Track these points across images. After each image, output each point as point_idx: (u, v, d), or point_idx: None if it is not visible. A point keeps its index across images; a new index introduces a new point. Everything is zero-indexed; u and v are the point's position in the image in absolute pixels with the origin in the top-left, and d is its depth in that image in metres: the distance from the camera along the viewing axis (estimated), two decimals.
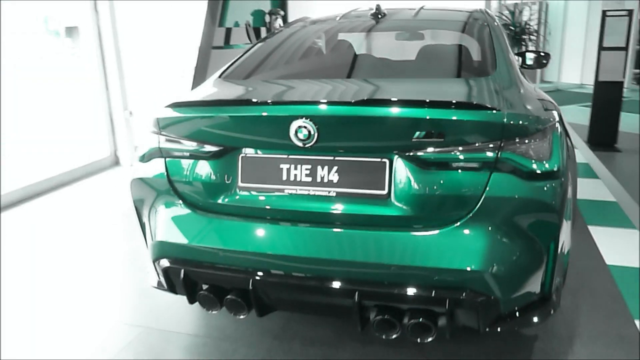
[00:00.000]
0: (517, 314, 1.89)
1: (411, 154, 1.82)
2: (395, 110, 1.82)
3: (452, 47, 2.77)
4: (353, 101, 1.85)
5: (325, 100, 1.90)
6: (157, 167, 2.16)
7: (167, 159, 2.13)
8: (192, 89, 5.45)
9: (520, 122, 1.81)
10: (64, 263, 3.40)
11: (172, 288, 2.20)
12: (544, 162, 1.82)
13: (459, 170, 1.80)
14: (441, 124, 1.78)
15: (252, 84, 2.51)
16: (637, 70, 11.57)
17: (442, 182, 1.81)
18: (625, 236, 3.58)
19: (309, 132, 1.83)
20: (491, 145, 1.77)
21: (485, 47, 2.52)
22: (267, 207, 1.99)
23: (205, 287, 2.10)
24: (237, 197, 2.03)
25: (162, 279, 2.19)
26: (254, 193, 2.02)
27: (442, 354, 2.32)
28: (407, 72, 2.57)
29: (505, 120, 1.78)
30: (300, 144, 1.86)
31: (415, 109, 1.81)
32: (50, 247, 3.67)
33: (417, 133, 1.79)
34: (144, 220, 2.27)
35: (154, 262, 2.19)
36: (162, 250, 2.13)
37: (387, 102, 1.84)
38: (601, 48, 6.06)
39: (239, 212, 2.04)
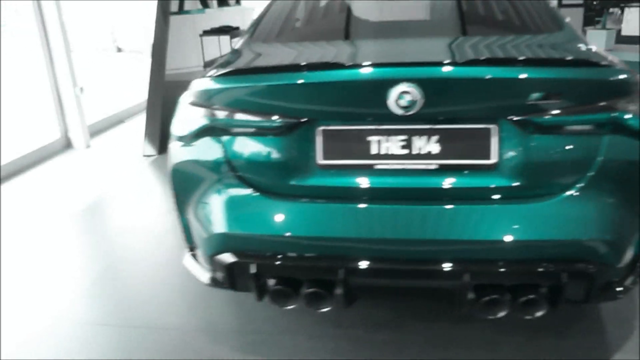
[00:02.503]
0: (623, 281, 1.82)
1: (521, 118, 1.66)
2: (506, 71, 1.65)
3: (500, 2, 2.56)
4: (464, 61, 1.65)
5: (432, 61, 1.69)
6: (210, 147, 1.86)
7: (223, 137, 1.83)
8: (154, 58, 5.01)
9: (625, 78, 1.70)
10: (34, 266, 2.97)
11: (232, 285, 1.94)
12: None
13: (572, 134, 1.67)
14: (556, 83, 1.64)
15: (315, 45, 2.21)
16: None
17: (554, 147, 1.67)
18: None
19: (413, 98, 1.61)
20: (603, 105, 1.65)
21: (534, 3, 2.37)
22: (355, 185, 1.77)
23: (278, 281, 1.85)
24: (317, 176, 1.79)
25: (223, 275, 1.91)
26: (337, 171, 1.78)
27: (512, 326, 2.22)
28: (478, 29, 2.33)
29: (616, 77, 1.67)
30: (400, 112, 1.64)
31: (528, 68, 1.66)
32: (16, 249, 3.19)
33: (529, 94, 1.62)
34: (190, 212, 1.96)
35: (210, 257, 1.90)
36: (224, 243, 1.85)
37: (500, 62, 1.67)
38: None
39: (320, 194, 1.80)
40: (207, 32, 7.42)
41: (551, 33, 2.09)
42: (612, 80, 1.66)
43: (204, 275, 2.04)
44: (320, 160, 1.78)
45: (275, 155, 1.79)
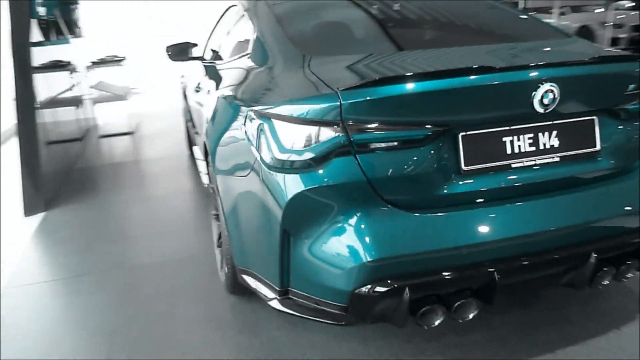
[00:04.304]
0: None
1: (615, 107, 1.93)
2: (609, 67, 1.93)
3: (507, 13, 2.78)
4: (587, 60, 1.84)
5: (567, 61, 1.85)
6: (344, 168, 1.69)
7: (359, 155, 1.68)
8: (18, 97, 4.12)
9: None
10: None
11: (374, 317, 1.79)
12: None
13: None
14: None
15: (425, 53, 2.19)
16: None
17: None
18: None
19: (554, 96, 1.75)
20: None
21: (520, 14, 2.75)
22: (496, 187, 1.81)
23: (428, 299, 1.77)
24: (461, 183, 1.78)
25: (367, 309, 1.74)
26: (479, 175, 1.79)
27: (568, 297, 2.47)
28: (506, 36, 2.51)
29: None
30: (542, 110, 1.76)
31: (624, 63, 1.94)
32: None
33: (621, 86, 1.91)
34: (307, 248, 1.76)
35: (351, 292, 1.71)
36: (371, 273, 1.70)
37: (608, 59, 1.94)
38: None
39: (465, 200, 1.79)
40: (36, 69, 6.36)
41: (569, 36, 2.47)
42: None
43: (321, 314, 1.83)
44: (464, 167, 1.77)
45: (419, 167, 1.72)
